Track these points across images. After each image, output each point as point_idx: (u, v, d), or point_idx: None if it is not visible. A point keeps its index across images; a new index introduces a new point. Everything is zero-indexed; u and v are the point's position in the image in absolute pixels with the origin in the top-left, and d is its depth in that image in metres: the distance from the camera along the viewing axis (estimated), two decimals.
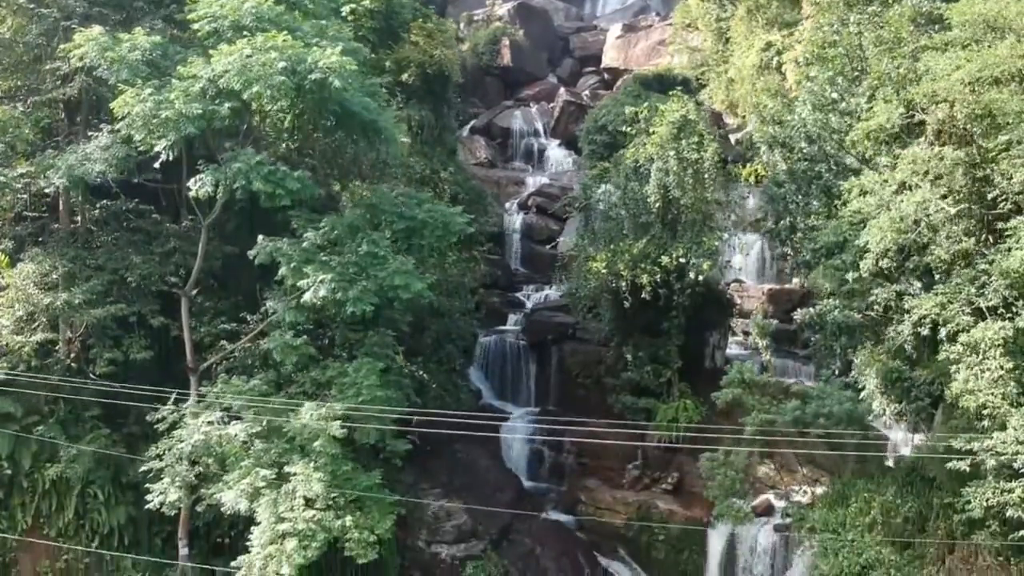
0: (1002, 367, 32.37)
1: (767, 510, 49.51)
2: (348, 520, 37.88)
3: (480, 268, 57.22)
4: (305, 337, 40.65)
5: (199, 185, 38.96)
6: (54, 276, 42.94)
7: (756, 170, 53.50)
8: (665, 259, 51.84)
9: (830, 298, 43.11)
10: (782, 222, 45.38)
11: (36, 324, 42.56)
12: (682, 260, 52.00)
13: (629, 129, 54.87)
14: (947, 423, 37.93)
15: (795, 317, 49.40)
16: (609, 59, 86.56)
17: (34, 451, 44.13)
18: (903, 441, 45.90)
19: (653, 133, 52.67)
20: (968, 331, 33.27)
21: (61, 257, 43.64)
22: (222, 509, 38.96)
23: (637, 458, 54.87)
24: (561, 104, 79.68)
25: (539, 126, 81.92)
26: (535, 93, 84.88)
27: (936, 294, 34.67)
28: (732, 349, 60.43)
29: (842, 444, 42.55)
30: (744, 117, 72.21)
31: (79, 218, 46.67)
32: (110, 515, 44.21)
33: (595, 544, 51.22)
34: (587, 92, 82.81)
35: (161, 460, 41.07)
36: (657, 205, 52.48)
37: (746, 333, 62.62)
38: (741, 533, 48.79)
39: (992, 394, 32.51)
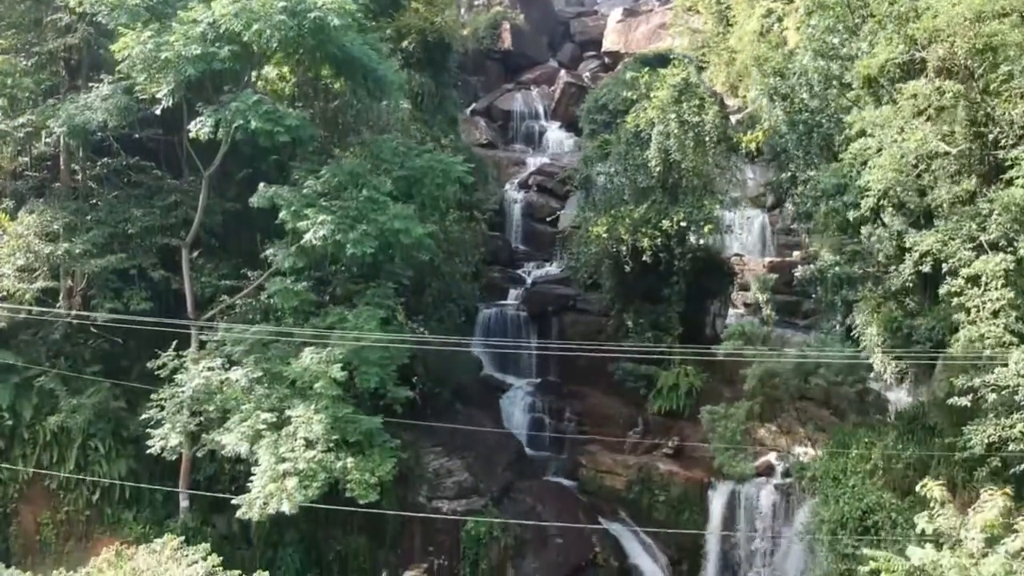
0: (1003, 297, 32.25)
1: (768, 470, 49.50)
2: (349, 462, 37.73)
3: (481, 229, 56.87)
4: (305, 284, 40.47)
5: (199, 126, 38.90)
6: (55, 227, 42.78)
7: (757, 137, 53.40)
8: (666, 223, 51.91)
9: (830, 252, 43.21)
10: (783, 175, 45.33)
11: (37, 273, 42.29)
12: (683, 224, 52.06)
13: (630, 94, 54.88)
14: (947, 372, 37.77)
15: (796, 274, 49.33)
16: (610, 43, 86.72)
17: (35, 403, 43.92)
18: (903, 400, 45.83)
19: (654, 98, 52.63)
20: (969, 265, 33.17)
21: (62, 210, 43.59)
22: (223, 451, 38.76)
23: (638, 425, 54.62)
24: (562, 86, 79.81)
25: (540, 108, 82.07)
26: (536, 77, 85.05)
27: (937, 231, 34.57)
28: (733, 320, 60.02)
29: (843, 394, 42.61)
30: (745, 97, 72.16)
31: (80, 176, 46.49)
32: (111, 468, 44.01)
33: (596, 507, 50.84)
34: (588, 75, 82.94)
35: (162, 409, 40.84)
36: (658, 170, 52.53)
37: (747, 305, 62.63)
38: (742, 492, 48.78)
39: (994, 324, 32.42)
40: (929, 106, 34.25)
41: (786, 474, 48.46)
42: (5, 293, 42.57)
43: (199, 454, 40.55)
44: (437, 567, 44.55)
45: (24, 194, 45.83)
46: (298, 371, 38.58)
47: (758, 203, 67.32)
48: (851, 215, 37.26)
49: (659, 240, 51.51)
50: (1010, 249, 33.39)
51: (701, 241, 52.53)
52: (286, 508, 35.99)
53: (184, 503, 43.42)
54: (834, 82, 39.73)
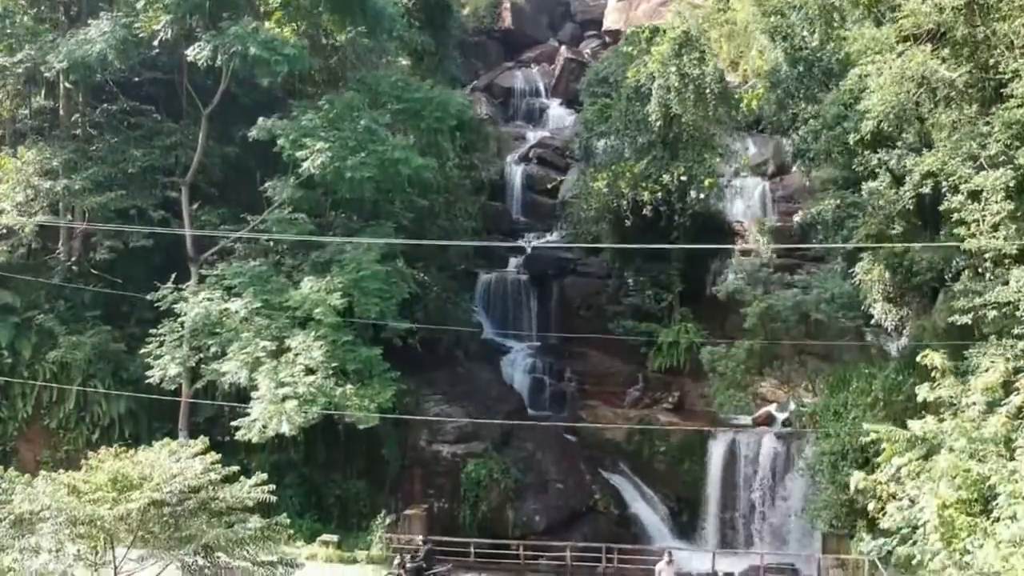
0: (1003, 210, 32.21)
1: (768, 420, 49.32)
2: (348, 388, 37.61)
3: (481, 176, 56.81)
4: (304, 216, 40.48)
5: (198, 51, 38.92)
6: (54, 164, 42.73)
7: (759, 95, 53.39)
8: (666, 178, 51.96)
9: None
10: (783, 113, 45.30)
11: (37, 209, 42.27)
12: (683, 179, 52.01)
13: (630, 49, 54.91)
14: (948, 302, 37.69)
15: (796, 219, 49.29)
16: (610, 22, 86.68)
17: (34, 342, 43.92)
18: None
19: (654, 52, 52.63)
20: (970, 180, 33.15)
21: (62, 148, 43.53)
22: (223, 380, 38.57)
23: (638, 382, 54.49)
24: (562, 62, 79.79)
25: (540, 86, 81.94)
26: (536, 56, 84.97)
27: (938, 150, 34.56)
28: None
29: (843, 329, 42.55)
30: (746, 71, 72.05)
31: (80, 121, 46.51)
32: (110, 407, 43.90)
33: (596, 459, 50.65)
34: (588, 52, 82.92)
35: (161, 345, 40.76)
36: (658, 124, 52.50)
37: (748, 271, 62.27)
38: (742, 441, 48.62)
39: (994, 237, 32.37)
40: (928, 29, 34.23)
41: (786, 423, 48.27)
42: (5, 230, 42.43)
43: (199, 385, 40.26)
44: (437, 509, 44.29)
45: (25, 134, 45.73)
46: (298, 300, 38.50)
47: (759, 172, 67.17)
48: (851, 138, 37.17)
49: (660, 194, 51.34)
50: (1011, 166, 33.31)
51: (701, 196, 52.34)
52: (285, 429, 35.90)
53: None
54: (834, 14, 39.71)
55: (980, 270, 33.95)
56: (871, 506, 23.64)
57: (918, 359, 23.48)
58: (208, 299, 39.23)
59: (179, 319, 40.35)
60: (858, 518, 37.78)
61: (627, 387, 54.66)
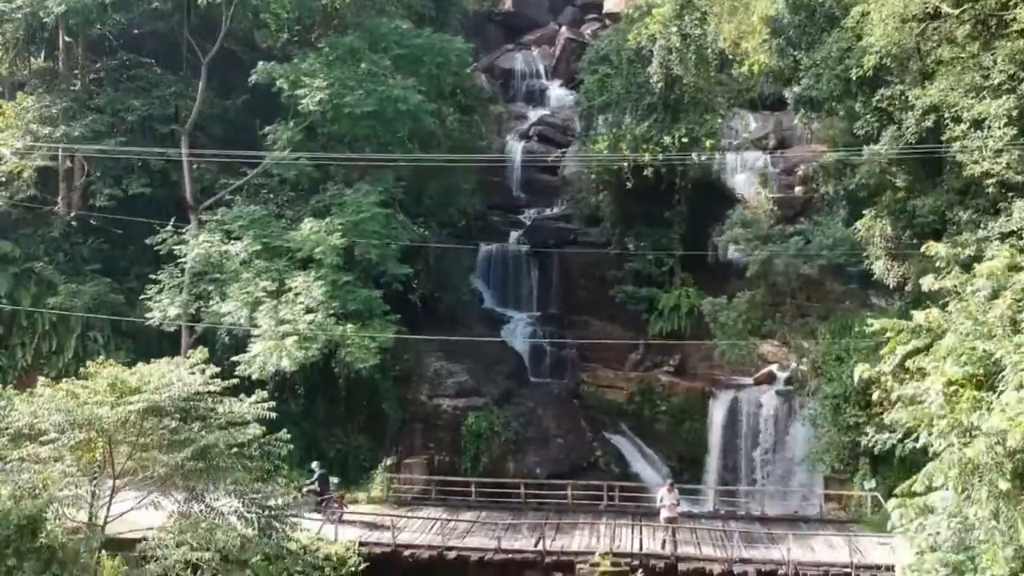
0: (1006, 135, 32.14)
1: (769, 378, 49.08)
2: (348, 327, 37.40)
3: (481, 132, 56.66)
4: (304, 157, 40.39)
5: None
6: (54, 111, 42.59)
7: (759, 60, 53.28)
8: (667, 139, 51.71)
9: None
10: (784, 61, 45.16)
11: (36, 156, 42.17)
12: (684, 141, 51.86)
13: (631, 11, 54.86)
14: (951, 238, 37.55)
15: (798, 172, 49.17)
16: (611, 4, 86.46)
17: (33, 292, 43.75)
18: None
19: (656, 14, 52.56)
20: (972, 109, 33.09)
21: (61, 96, 43.41)
22: (222, 321, 38.36)
23: (639, 348, 54.21)
24: (563, 42, 79.74)
25: (541, 68, 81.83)
26: (536, 38, 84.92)
27: (940, 83, 34.50)
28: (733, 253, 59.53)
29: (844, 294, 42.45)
30: (747, 48, 71.98)
31: (79, 74, 46.43)
32: (109, 358, 43.35)
33: (597, 420, 50.41)
34: (589, 33, 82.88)
35: (161, 292, 40.59)
36: (659, 86, 52.36)
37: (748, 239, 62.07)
38: (743, 399, 48.37)
39: (996, 163, 32.30)
40: None
41: (787, 381, 48.00)
42: (4, 177, 42.31)
43: (198, 332, 40.05)
44: (438, 462, 44.03)
45: (24, 84, 45.66)
46: (298, 241, 38.33)
47: (760, 146, 67.07)
48: (854, 74, 37.09)
49: (661, 156, 51.19)
50: (1014, 95, 33.24)
51: (703, 157, 52.18)
52: (286, 364, 35.68)
53: None
54: None
55: (980, 208, 33.94)
56: (875, 396, 23.27)
57: (922, 248, 23.25)
58: (207, 242, 38.89)
59: (179, 264, 40.08)
60: (860, 457, 37.63)
61: (627, 354, 54.17)
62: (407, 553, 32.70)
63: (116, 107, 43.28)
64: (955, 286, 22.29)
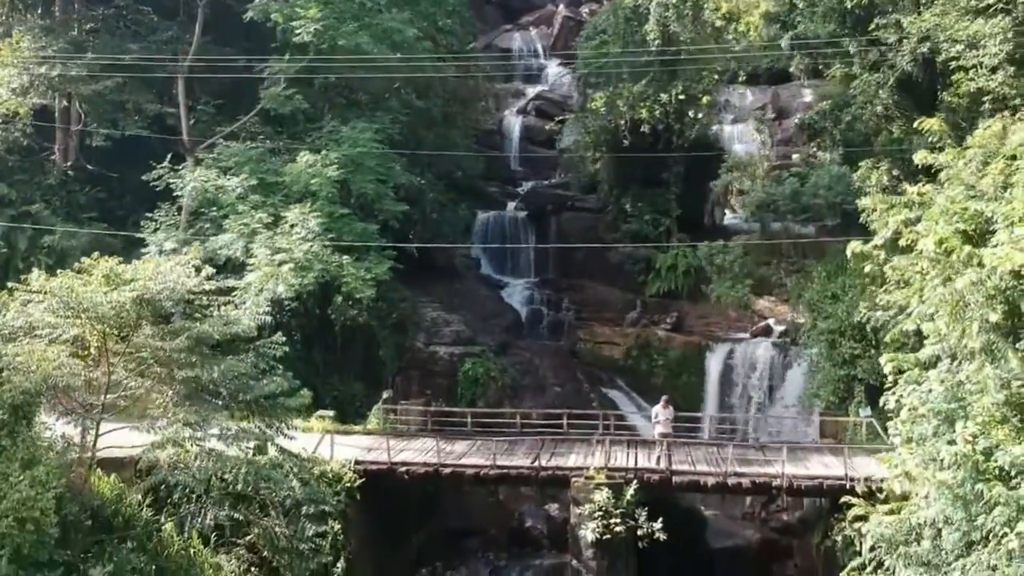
0: (1001, 51, 32.22)
1: (766, 331, 49.11)
2: (345, 259, 37.42)
3: (481, 84, 56.68)
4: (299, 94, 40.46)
5: None
6: (51, 51, 42.65)
7: (756, 23, 53.54)
8: (664, 97, 51.80)
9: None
10: (781, 2, 45.23)
11: (34, 97, 42.22)
12: (681, 98, 51.97)
13: None
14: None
15: (795, 121, 49.25)
16: None
17: (29, 235, 43.62)
18: None
19: None
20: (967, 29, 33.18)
21: (58, 37, 43.48)
22: (218, 252, 38.33)
23: (636, 308, 54.26)
24: (560, 20, 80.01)
25: (538, 47, 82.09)
26: (534, 19, 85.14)
27: (936, 7, 34.60)
28: (730, 220, 59.82)
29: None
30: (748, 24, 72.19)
31: (77, 22, 46.54)
32: None
33: (594, 375, 50.39)
34: (586, 11, 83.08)
35: (157, 230, 40.62)
36: (656, 43, 52.33)
37: (745, 206, 62.21)
38: (739, 351, 48.36)
39: (991, 80, 32.38)
40: None
41: (783, 334, 48.01)
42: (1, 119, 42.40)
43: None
44: (434, 407, 43.86)
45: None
46: (294, 174, 38.33)
47: (757, 118, 67.27)
48: (849, 3, 37.21)
49: (658, 113, 51.29)
50: (1010, 16, 33.33)
51: (700, 115, 52.31)
52: (282, 290, 35.58)
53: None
54: None
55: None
56: (867, 268, 23.27)
57: (915, 124, 23.29)
58: (203, 178, 38.89)
59: (175, 203, 40.11)
60: (855, 385, 37.58)
61: (625, 313, 54.20)
62: (403, 469, 32.50)
63: (113, 50, 42.99)
64: (949, 161, 22.28)
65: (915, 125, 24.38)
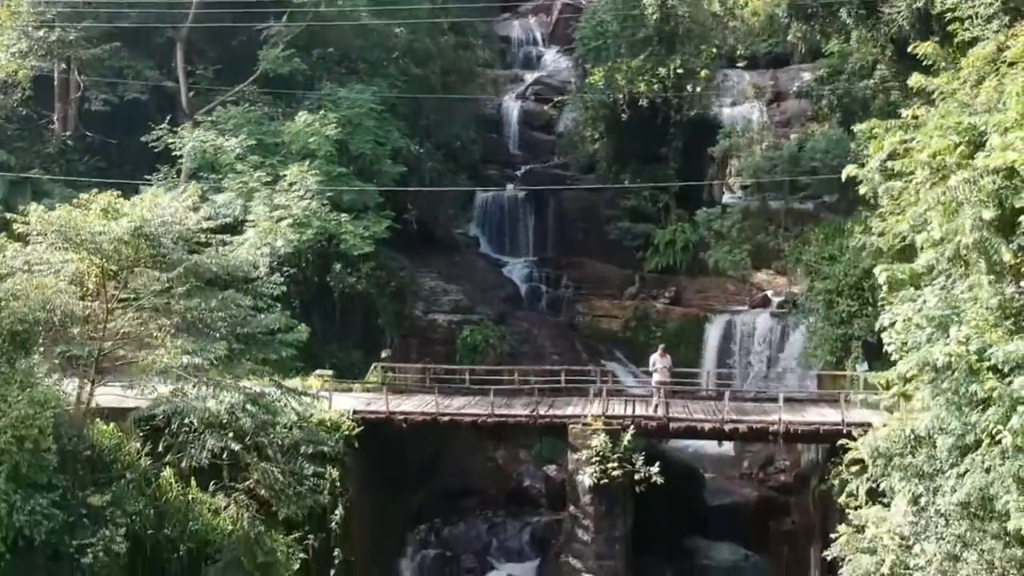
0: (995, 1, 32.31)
1: (764, 302, 49.19)
2: (343, 217, 37.52)
3: (475, 54, 56.81)
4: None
5: None
6: (49, 16, 42.77)
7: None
8: (663, 71, 51.94)
9: None
10: None
11: (33, 61, 42.34)
12: (680, 72, 52.12)
13: None
14: None
15: (794, 88, 49.40)
16: None
17: (29, 199, 43.53)
18: None
19: None
20: None
21: (56, 2, 43.65)
22: (217, 211, 38.36)
23: (635, 283, 54.33)
24: (559, 7, 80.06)
25: (537, 35, 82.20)
26: (534, 7, 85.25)
27: None
28: (728, 200, 59.81)
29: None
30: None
31: None
32: None
33: (592, 347, 50.42)
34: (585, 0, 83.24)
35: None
36: (655, 18, 52.52)
37: (744, 187, 62.28)
38: (738, 322, 48.45)
39: (986, 29, 32.43)
40: None
41: (782, 305, 48.09)
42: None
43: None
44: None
45: None
46: (292, 133, 38.45)
47: (757, 95, 67.38)
48: None
49: (656, 87, 51.45)
50: None
51: (698, 89, 52.45)
52: (280, 244, 35.64)
53: None
54: None
55: None
56: (863, 189, 23.38)
57: (909, 49, 23.32)
58: (202, 139, 38.99)
59: (175, 167, 40.22)
60: (852, 343, 37.62)
61: (624, 289, 54.28)
62: (400, 417, 32.60)
63: (111, 18, 43.11)
64: (943, 84, 22.38)
65: (909, 49, 24.32)
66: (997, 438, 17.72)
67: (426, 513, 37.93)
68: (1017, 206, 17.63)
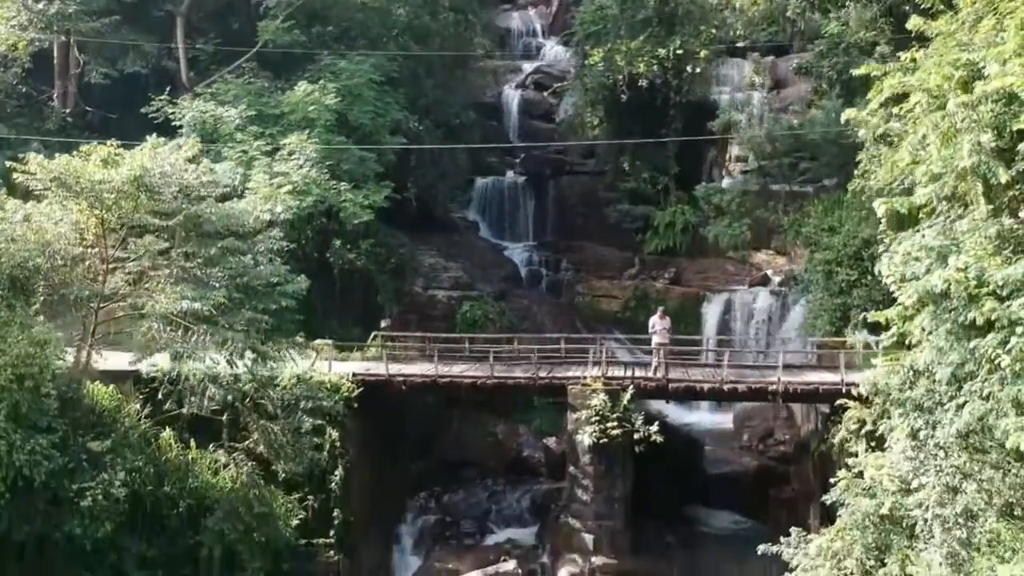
0: None
1: (763, 280, 49.18)
2: (343, 186, 37.57)
3: (475, 30, 56.85)
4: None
5: None
6: None
7: None
8: (662, 52, 51.98)
9: None
10: None
11: (29, 28, 42.35)
12: (679, 52, 52.18)
13: None
14: None
15: (792, 67, 49.44)
16: None
17: None
18: None
19: None
20: None
21: None
22: (216, 179, 38.36)
23: (634, 265, 54.34)
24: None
25: (537, 26, 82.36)
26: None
27: None
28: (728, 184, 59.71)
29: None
30: None
31: None
32: None
33: (592, 327, 50.35)
34: None
35: None
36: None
37: (744, 172, 62.29)
38: (737, 300, 48.51)
39: None
40: None
41: (781, 283, 48.11)
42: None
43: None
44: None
45: None
46: (292, 102, 38.49)
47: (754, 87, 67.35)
48: None
49: (656, 67, 51.50)
50: None
51: (698, 70, 52.48)
52: (280, 210, 35.64)
53: None
54: None
55: None
56: (861, 132, 23.42)
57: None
58: (202, 110, 39.03)
59: (174, 138, 40.16)
60: (851, 312, 37.65)
61: (623, 271, 54.29)
62: (400, 379, 32.66)
63: None
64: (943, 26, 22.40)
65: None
66: (996, 362, 17.68)
67: (426, 482, 37.94)
68: (1015, 128, 17.63)
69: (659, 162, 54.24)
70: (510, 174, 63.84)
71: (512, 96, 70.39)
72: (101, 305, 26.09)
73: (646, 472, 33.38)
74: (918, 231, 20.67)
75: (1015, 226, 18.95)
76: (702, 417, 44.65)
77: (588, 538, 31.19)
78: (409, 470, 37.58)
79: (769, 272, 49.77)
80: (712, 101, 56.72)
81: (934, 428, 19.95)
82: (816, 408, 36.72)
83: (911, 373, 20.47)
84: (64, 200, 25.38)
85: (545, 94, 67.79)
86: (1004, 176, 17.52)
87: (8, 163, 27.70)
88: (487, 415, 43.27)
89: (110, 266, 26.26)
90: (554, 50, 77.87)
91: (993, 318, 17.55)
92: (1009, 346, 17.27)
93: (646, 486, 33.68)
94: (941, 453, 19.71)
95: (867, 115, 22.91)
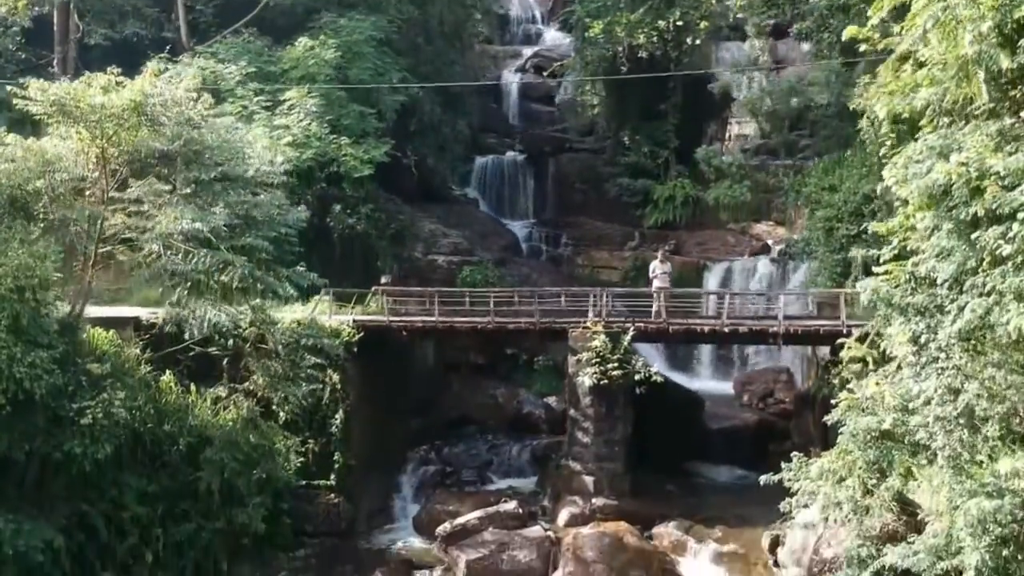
0: None
1: (764, 249, 49.24)
2: (343, 140, 37.59)
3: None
4: None
5: None
6: None
7: None
8: (661, 23, 52.06)
9: None
10: None
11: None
12: (679, 24, 52.26)
13: None
14: None
15: (791, 32, 49.52)
16: None
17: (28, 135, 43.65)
18: None
19: None
20: None
21: None
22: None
23: (634, 239, 54.34)
24: None
25: (536, 13, 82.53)
26: None
27: None
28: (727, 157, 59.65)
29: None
30: None
31: None
32: None
33: None
34: None
35: None
36: None
37: (744, 150, 62.31)
38: (737, 268, 48.53)
39: None
40: None
41: (783, 253, 48.09)
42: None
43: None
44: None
45: None
46: (293, 59, 38.55)
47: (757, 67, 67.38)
48: None
49: (655, 38, 51.57)
50: None
51: (697, 41, 52.55)
52: (279, 160, 35.53)
53: None
54: None
55: None
56: (863, 48, 23.39)
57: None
58: (202, 67, 39.06)
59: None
60: (851, 267, 37.61)
61: (623, 245, 54.31)
62: (400, 325, 32.73)
63: None
64: None
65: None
66: (998, 253, 17.63)
67: (426, 437, 37.95)
68: (1016, 16, 17.62)
69: (659, 137, 54.19)
70: (510, 153, 63.76)
71: (511, 80, 70.40)
72: (99, 247, 25.92)
73: (647, 426, 33.38)
74: (918, 139, 20.64)
75: (1016, 124, 18.90)
76: (704, 384, 44.53)
77: (588, 480, 31.13)
78: (409, 425, 37.52)
79: (769, 242, 49.71)
80: (712, 76, 56.77)
81: (935, 332, 19.86)
82: (817, 364, 36.61)
83: (912, 280, 20.41)
84: (65, 129, 25.16)
85: (544, 74, 67.67)
86: (1006, 62, 17.49)
87: (9, 87, 27.35)
88: (487, 379, 43.23)
89: (110, 208, 26.10)
90: (554, 35, 77.76)
91: (995, 207, 17.49)
92: (1011, 234, 17.20)
93: (647, 440, 33.65)
94: (942, 355, 19.62)
95: (868, 31, 22.84)
